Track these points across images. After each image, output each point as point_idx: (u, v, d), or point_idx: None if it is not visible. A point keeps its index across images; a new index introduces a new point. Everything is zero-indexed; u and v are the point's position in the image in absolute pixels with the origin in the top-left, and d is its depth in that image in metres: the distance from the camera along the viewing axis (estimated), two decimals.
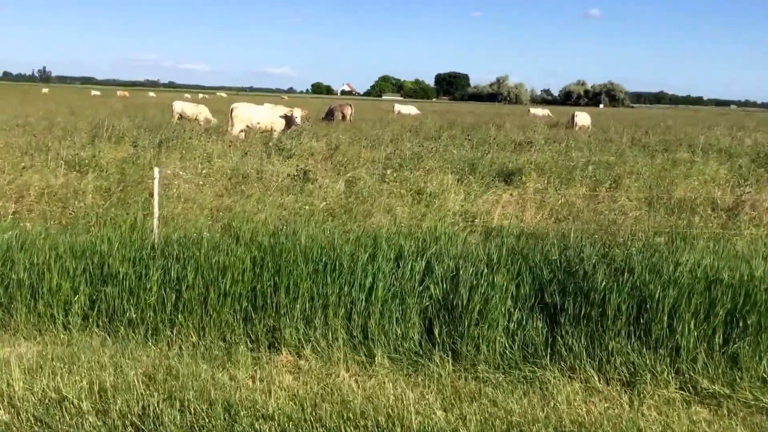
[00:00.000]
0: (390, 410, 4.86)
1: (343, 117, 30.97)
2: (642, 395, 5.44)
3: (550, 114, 46.56)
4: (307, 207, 9.95)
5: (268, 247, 6.90)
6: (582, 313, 6.08)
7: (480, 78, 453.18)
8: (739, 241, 8.97)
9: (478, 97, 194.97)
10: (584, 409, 5.11)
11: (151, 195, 8.54)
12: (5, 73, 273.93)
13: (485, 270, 6.51)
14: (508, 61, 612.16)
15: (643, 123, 40.37)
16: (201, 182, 11.25)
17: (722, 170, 14.87)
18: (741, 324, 5.93)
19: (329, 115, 31.83)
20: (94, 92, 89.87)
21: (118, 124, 20.04)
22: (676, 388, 5.55)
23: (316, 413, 4.81)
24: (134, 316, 6.33)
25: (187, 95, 73.01)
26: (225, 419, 4.66)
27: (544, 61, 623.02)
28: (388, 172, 12.52)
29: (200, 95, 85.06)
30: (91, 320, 6.38)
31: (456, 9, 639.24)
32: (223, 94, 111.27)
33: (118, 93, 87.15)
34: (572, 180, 13.10)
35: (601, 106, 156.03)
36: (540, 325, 6.08)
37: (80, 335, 6.20)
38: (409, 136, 20.98)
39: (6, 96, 54.61)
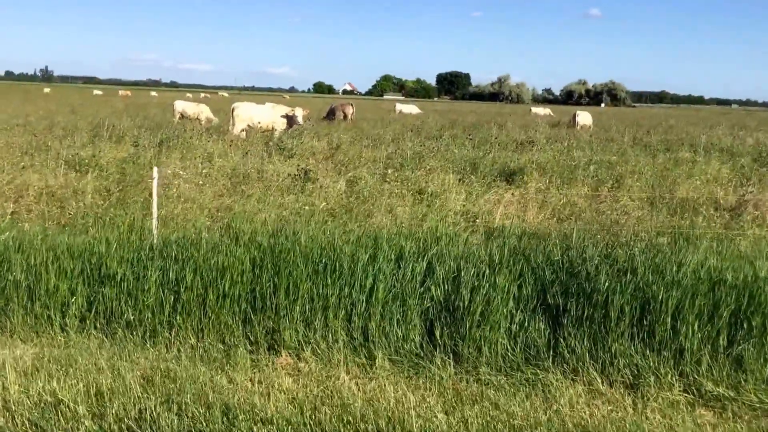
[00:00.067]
0: (390, 414, 4.80)
1: (345, 116, 30.94)
2: (646, 398, 5.38)
3: (552, 113, 46.53)
4: (307, 207, 9.89)
5: (267, 248, 6.84)
6: (585, 314, 6.02)
7: (481, 77, 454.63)
8: (742, 242, 8.91)
9: (480, 96, 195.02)
10: (587, 412, 5.05)
11: (151, 195, 8.48)
12: (7, 73, 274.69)
13: (487, 271, 6.45)
14: (509, 61, 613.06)
15: (645, 122, 40.33)
16: (201, 182, 11.20)
17: (724, 170, 14.81)
18: (745, 326, 5.86)
19: (330, 114, 31.80)
20: (96, 92, 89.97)
21: (119, 124, 20.03)
22: (680, 391, 5.48)
23: (315, 417, 4.75)
24: (132, 317, 6.26)
25: (188, 95, 73.04)
26: (223, 423, 4.59)
27: (546, 61, 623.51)
28: (390, 171, 12.47)
29: (202, 95, 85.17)
30: (88, 322, 6.30)
31: (457, 9, 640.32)
32: (225, 94, 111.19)
33: (120, 92, 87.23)
34: (574, 179, 13.05)
35: (603, 105, 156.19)
36: (542, 326, 6.02)
37: (77, 337, 6.14)
38: (410, 135, 20.96)
39: (7, 95, 54.65)
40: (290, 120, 20.10)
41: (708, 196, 11.92)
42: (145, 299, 6.32)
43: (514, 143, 19.64)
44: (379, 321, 6.09)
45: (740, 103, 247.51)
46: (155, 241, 7.44)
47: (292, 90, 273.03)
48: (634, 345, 5.83)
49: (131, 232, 7.97)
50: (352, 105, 32.96)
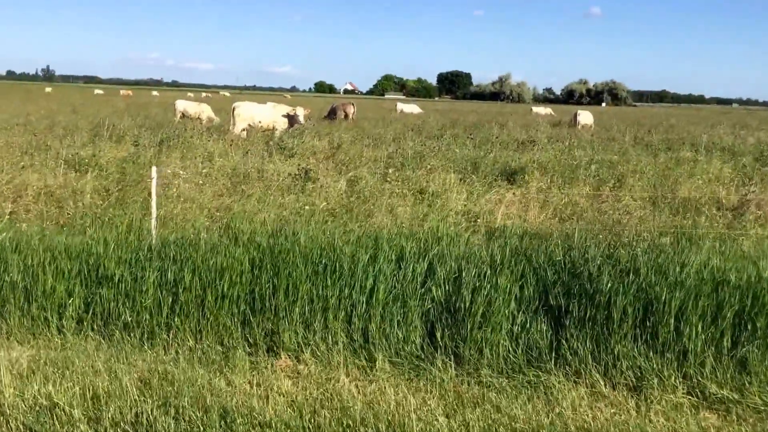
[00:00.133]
0: (391, 417, 4.74)
1: (346, 116, 30.89)
2: (649, 400, 5.31)
3: (553, 113, 46.44)
4: (308, 207, 9.82)
5: (266, 248, 6.78)
6: (587, 315, 5.95)
7: (482, 77, 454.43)
8: (745, 241, 8.84)
9: (481, 95, 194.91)
10: (590, 415, 4.99)
11: (150, 195, 8.42)
12: (9, 72, 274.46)
13: (488, 271, 6.38)
14: (510, 60, 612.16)
15: (646, 121, 40.27)
16: (201, 182, 11.14)
17: (726, 169, 14.76)
18: (749, 327, 5.80)
19: (332, 113, 31.77)
20: (97, 91, 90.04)
21: (120, 123, 19.99)
22: (683, 393, 5.42)
23: (314, 420, 4.69)
24: (130, 319, 6.19)
25: (190, 94, 73.13)
26: (220, 427, 4.53)
27: (546, 60, 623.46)
28: (390, 171, 12.41)
29: (203, 94, 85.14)
30: (85, 324, 6.23)
31: (458, 8, 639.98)
32: (227, 93, 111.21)
33: (122, 92, 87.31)
34: (575, 179, 13.00)
35: (604, 104, 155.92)
36: (544, 328, 5.95)
37: (75, 339, 6.07)
38: (411, 134, 20.92)
39: (9, 95, 54.68)
40: (291, 119, 20.07)
41: (710, 195, 11.87)
42: (143, 300, 6.26)
43: (515, 143, 19.60)
44: (380, 322, 6.03)
45: (741, 102, 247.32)
46: (154, 241, 7.37)
47: (293, 89, 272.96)
48: (637, 347, 5.76)
49: (130, 233, 7.91)
50: (353, 104, 32.93)
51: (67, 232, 8.18)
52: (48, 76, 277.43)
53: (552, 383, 5.45)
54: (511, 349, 5.84)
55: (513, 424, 4.78)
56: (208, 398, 4.85)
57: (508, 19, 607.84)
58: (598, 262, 6.57)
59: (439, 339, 5.94)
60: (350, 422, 4.66)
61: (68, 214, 9.60)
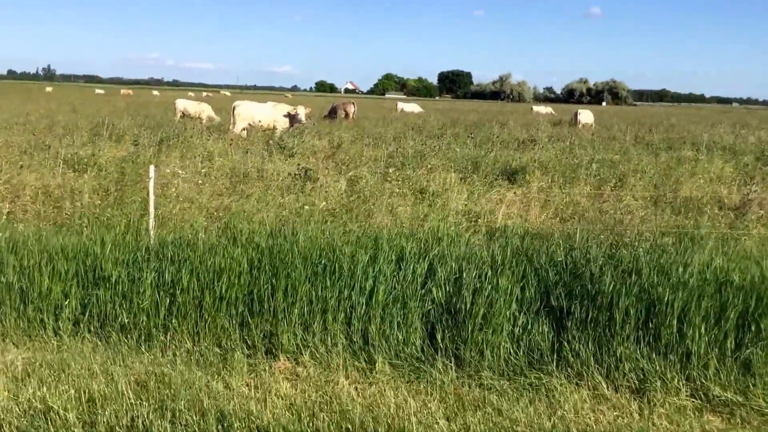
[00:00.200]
0: (391, 420, 4.67)
1: (346, 115, 30.82)
2: (652, 403, 5.24)
3: (553, 112, 46.36)
4: (307, 206, 9.75)
5: (265, 249, 6.71)
6: (589, 317, 5.89)
7: (483, 76, 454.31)
8: (747, 241, 8.77)
9: (481, 95, 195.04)
10: (592, 418, 4.92)
11: (149, 195, 8.35)
12: (10, 72, 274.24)
13: (489, 272, 6.31)
14: (510, 60, 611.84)
15: (646, 121, 40.18)
16: (200, 181, 11.07)
17: (727, 168, 14.71)
18: (753, 328, 5.74)
19: (332, 113, 31.67)
20: (98, 91, 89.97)
21: (120, 123, 19.93)
22: (687, 396, 5.35)
23: (313, 424, 4.62)
24: (127, 321, 6.12)
25: (190, 93, 73.07)
26: (217, 431, 4.47)
27: (547, 60, 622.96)
28: (391, 170, 12.35)
29: (204, 94, 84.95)
30: (82, 325, 6.16)
31: (458, 7, 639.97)
32: (227, 93, 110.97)
33: (122, 91, 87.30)
34: (576, 178, 12.94)
35: (604, 104, 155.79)
36: (546, 329, 5.88)
37: (71, 341, 6.00)
38: (411, 134, 20.86)
39: (9, 94, 54.63)
40: (292, 119, 20.04)
41: (712, 195, 11.80)
42: (140, 302, 6.19)
43: (515, 142, 19.57)
44: (380, 324, 5.96)
45: (741, 101, 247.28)
46: (151, 241, 7.31)
47: (294, 89, 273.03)
48: (639, 348, 5.70)
49: (127, 233, 7.84)
50: (353, 104, 32.86)
51: (64, 232, 8.10)
52: (49, 75, 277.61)
53: (554, 385, 5.38)
54: (512, 350, 5.77)
55: (514, 427, 4.72)
56: (206, 401, 4.78)
57: (508, 18, 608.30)
58: (600, 263, 6.51)
59: (440, 341, 5.87)
60: (349, 426, 4.60)
61: (66, 214, 9.53)
